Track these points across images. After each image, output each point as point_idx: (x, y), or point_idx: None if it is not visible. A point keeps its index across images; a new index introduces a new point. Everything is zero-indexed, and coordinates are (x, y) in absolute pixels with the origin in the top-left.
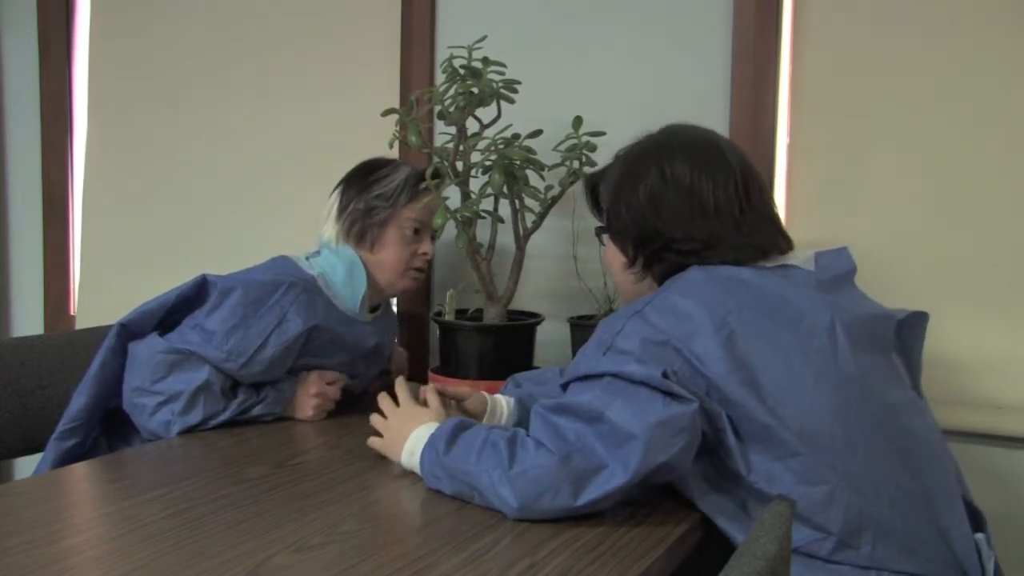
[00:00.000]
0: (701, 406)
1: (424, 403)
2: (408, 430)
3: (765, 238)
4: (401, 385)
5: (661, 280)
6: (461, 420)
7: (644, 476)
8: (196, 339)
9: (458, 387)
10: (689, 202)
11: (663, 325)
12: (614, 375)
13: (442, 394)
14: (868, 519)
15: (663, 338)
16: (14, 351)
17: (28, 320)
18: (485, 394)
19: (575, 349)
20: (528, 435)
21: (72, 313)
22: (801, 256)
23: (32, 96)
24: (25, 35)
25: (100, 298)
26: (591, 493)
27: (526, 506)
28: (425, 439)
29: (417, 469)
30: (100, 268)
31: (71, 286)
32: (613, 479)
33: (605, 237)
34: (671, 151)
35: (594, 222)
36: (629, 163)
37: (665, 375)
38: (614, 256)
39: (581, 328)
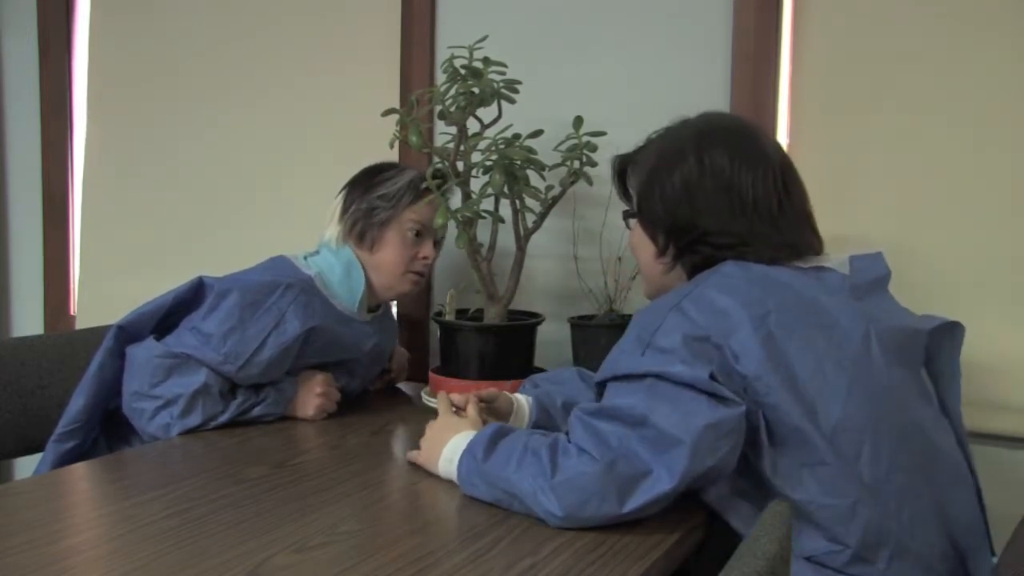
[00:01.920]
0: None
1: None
2: (445, 439)
3: (801, 237)
4: (442, 399)
5: (692, 272)
6: (500, 427)
7: (691, 481)
8: (193, 342)
9: (489, 390)
10: (727, 195)
11: (702, 321)
12: (658, 376)
13: (481, 400)
14: (888, 535)
15: (704, 334)
16: (14, 351)
17: (28, 320)
18: (509, 395)
19: (575, 349)
20: (569, 441)
21: (72, 313)
22: (836, 259)
23: (32, 96)
24: (25, 35)
25: (100, 298)
26: (637, 499)
27: (570, 515)
28: (463, 446)
29: (454, 477)
30: (100, 268)
31: (71, 286)
32: (659, 484)
33: (633, 222)
34: (711, 139)
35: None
36: (665, 148)
37: (712, 377)
38: (642, 243)
39: (581, 328)
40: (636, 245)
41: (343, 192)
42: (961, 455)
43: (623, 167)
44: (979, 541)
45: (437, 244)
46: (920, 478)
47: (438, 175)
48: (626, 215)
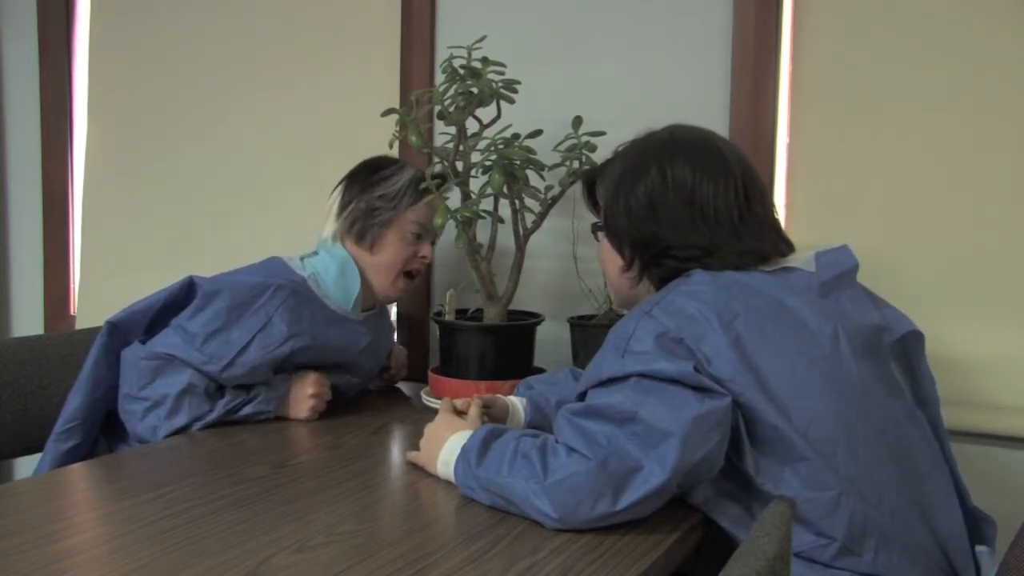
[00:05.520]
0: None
1: (459, 413)
2: (443, 438)
3: (765, 244)
4: (445, 402)
5: (659, 284)
6: (493, 428)
7: (683, 473)
8: (177, 342)
9: (486, 395)
10: (690, 208)
11: (673, 325)
12: (642, 375)
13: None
14: (872, 526)
15: (677, 336)
16: (14, 351)
17: (28, 320)
18: (503, 398)
19: (575, 349)
20: (557, 441)
21: (72, 313)
22: (801, 257)
23: (32, 97)
24: (25, 35)
25: (100, 298)
26: (631, 495)
27: (565, 516)
28: (458, 449)
29: (452, 478)
30: (100, 268)
31: (71, 286)
32: (651, 479)
33: (601, 235)
34: (673, 152)
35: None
36: (629, 162)
37: (696, 369)
38: (610, 257)
39: (581, 328)
40: (604, 259)
41: (340, 187)
42: (937, 446)
43: (591, 181)
44: (958, 530)
45: (433, 243)
46: (897, 471)
47: (438, 177)
48: (594, 228)
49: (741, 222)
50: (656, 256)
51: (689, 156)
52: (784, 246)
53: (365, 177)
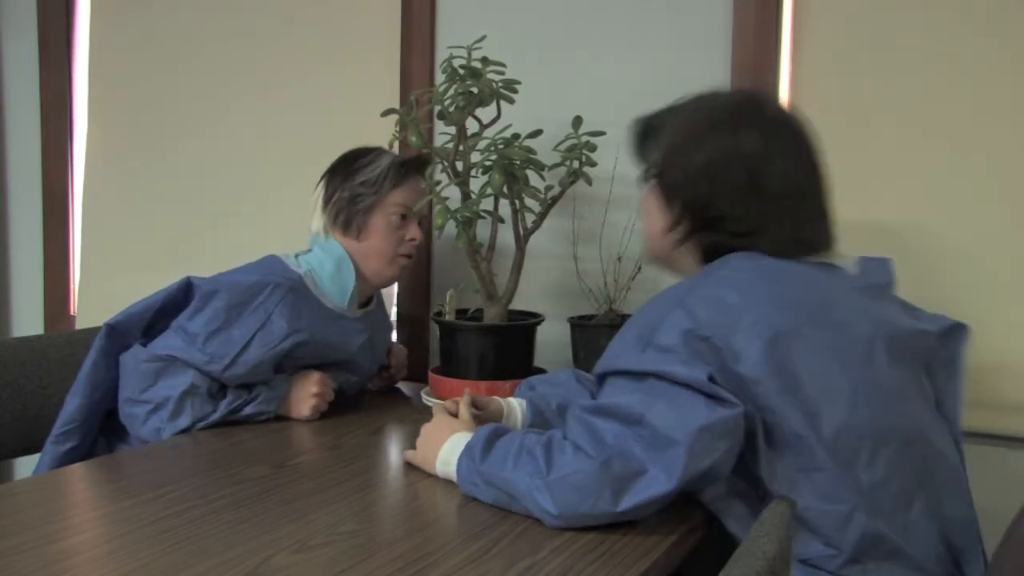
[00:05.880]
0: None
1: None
2: (442, 439)
3: (817, 234)
4: (439, 407)
5: (700, 254)
6: (497, 427)
7: (688, 482)
8: (178, 343)
9: (480, 396)
10: (752, 179)
11: (706, 318)
12: (657, 376)
13: (474, 405)
14: (882, 539)
15: (705, 334)
16: (14, 351)
17: (28, 320)
18: (500, 399)
19: (575, 349)
20: (565, 438)
21: (72, 313)
22: (847, 259)
23: (32, 97)
24: (25, 36)
25: (100, 298)
26: (632, 498)
27: (565, 513)
28: (460, 447)
29: (453, 477)
30: (100, 268)
31: (71, 286)
32: (655, 485)
33: (649, 185)
34: (750, 119)
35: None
36: (698, 118)
37: (711, 378)
38: (655, 212)
39: (581, 328)
40: (648, 211)
41: (323, 181)
42: (957, 456)
43: (646, 130)
44: (972, 541)
45: (421, 225)
46: (917, 482)
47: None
48: (646, 175)
49: (801, 207)
50: (704, 224)
51: (762, 127)
52: (833, 243)
53: (345, 167)
